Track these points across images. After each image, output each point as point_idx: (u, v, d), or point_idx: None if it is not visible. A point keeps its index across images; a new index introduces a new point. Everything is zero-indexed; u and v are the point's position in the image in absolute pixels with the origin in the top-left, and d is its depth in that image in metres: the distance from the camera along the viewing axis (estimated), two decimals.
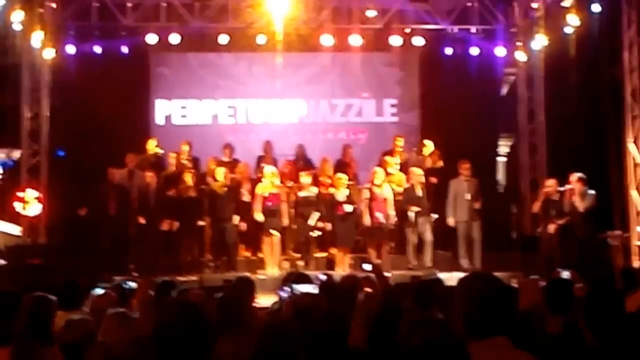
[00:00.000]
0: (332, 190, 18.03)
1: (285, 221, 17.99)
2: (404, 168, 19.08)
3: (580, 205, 16.53)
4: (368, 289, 8.21)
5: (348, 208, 17.46)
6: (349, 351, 6.19)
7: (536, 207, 17.84)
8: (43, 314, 6.71)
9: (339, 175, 18.17)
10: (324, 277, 10.65)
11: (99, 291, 8.64)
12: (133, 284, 8.83)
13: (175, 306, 4.32)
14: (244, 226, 18.14)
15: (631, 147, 17.63)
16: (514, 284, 8.68)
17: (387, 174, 18.50)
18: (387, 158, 19.09)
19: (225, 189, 17.96)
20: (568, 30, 18.80)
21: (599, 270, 10.07)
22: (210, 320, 4.33)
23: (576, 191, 16.75)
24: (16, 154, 20.14)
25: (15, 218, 19.00)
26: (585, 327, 5.54)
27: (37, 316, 6.70)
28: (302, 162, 19.72)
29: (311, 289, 7.78)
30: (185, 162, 19.09)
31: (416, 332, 5.12)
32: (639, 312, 6.32)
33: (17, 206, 18.91)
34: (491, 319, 4.34)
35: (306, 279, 9.13)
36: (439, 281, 9.95)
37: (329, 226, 17.97)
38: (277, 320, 4.71)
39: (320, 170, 19.08)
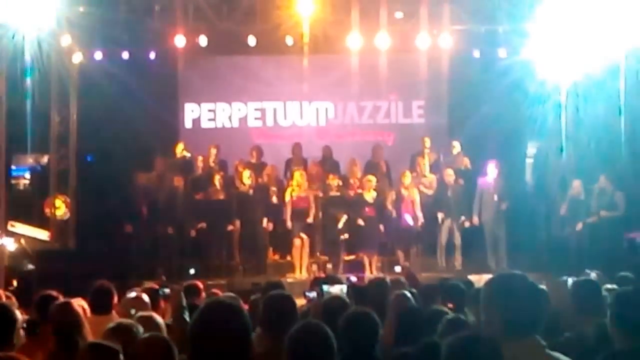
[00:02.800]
0: (360, 191, 18.06)
1: (311, 220, 18.00)
2: (433, 169, 19.08)
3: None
4: (397, 291, 8.19)
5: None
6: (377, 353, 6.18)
7: (563, 209, 17.97)
8: (68, 321, 6.70)
9: (368, 177, 18.17)
10: (354, 279, 10.68)
11: (132, 294, 8.73)
12: (167, 290, 8.90)
13: (216, 305, 4.22)
14: (271, 226, 18.20)
15: None
16: (542, 285, 8.62)
17: (418, 175, 18.54)
18: (419, 159, 19.09)
19: (252, 191, 18.02)
20: None
21: (628, 271, 9.93)
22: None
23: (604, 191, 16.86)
24: (44, 159, 20.24)
25: (44, 223, 19.08)
26: (614, 328, 5.47)
27: (62, 323, 6.69)
28: (328, 163, 19.70)
29: (340, 290, 7.78)
30: (212, 165, 19.14)
31: (450, 333, 5.09)
32: None
33: (46, 211, 19.00)
34: (524, 319, 4.32)
35: (336, 281, 9.13)
36: (470, 283, 9.95)
37: (360, 222, 17.97)
38: (310, 322, 4.66)
39: (348, 172, 19.09)
